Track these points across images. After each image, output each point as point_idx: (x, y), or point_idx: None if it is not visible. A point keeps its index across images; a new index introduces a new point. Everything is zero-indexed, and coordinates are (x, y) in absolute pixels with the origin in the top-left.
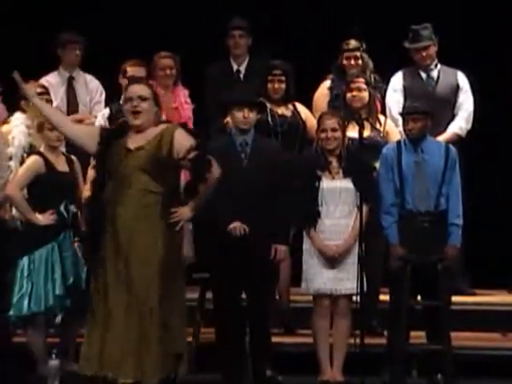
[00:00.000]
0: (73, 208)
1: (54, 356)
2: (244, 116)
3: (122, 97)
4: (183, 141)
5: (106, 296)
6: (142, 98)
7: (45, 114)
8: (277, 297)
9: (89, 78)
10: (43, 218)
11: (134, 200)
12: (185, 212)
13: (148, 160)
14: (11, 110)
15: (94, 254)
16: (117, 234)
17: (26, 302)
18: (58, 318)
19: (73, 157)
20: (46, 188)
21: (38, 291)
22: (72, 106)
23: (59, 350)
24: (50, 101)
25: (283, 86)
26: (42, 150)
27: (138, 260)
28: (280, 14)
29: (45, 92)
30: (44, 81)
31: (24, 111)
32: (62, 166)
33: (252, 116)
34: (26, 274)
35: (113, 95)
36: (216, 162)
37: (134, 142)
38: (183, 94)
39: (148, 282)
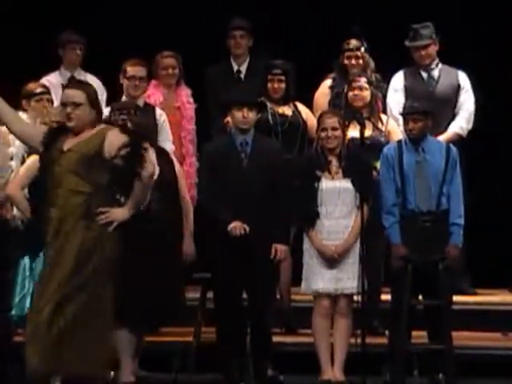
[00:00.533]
0: None
1: None
2: (243, 116)
3: (123, 96)
4: (115, 140)
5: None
6: (76, 104)
7: None
8: (278, 296)
9: (90, 77)
10: None
11: (63, 200)
12: (119, 212)
13: (76, 161)
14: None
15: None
16: (49, 234)
17: (27, 302)
18: None
19: None
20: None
21: None
22: None
23: None
24: (50, 100)
25: (283, 85)
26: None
27: (56, 260)
28: (280, 13)
29: (46, 92)
30: (45, 80)
31: (25, 110)
32: None
33: (251, 116)
34: (27, 273)
35: (115, 95)
36: (152, 158)
37: (68, 143)
38: (186, 93)
39: (58, 283)
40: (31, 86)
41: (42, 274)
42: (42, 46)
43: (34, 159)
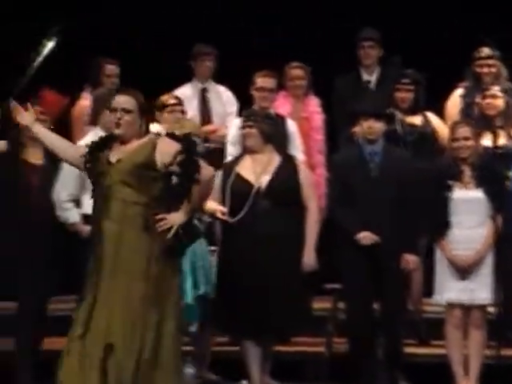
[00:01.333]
0: (206, 218)
1: (189, 364)
2: (370, 126)
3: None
4: (167, 148)
5: (91, 313)
6: (126, 111)
7: (41, 139)
8: (410, 307)
9: (222, 89)
10: None
11: (117, 212)
12: (176, 217)
13: (127, 172)
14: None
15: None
16: (103, 247)
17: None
18: (193, 327)
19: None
20: None
21: None
22: (205, 117)
23: (194, 358)
24: (183, 112)
25: (411, 95)
26: None
27: (123, 272)
28: (412, 23)
29: (178, 103)
30: (178, 92)
31: (158, 122)
32: None
33: (378, 126)
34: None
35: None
36: (205, 163)
37: (116, 154)
38: (314, 103)
39: (133, 295)
40: (164, 97)
41: (103, 289)
42: (175, 58)
43: None
